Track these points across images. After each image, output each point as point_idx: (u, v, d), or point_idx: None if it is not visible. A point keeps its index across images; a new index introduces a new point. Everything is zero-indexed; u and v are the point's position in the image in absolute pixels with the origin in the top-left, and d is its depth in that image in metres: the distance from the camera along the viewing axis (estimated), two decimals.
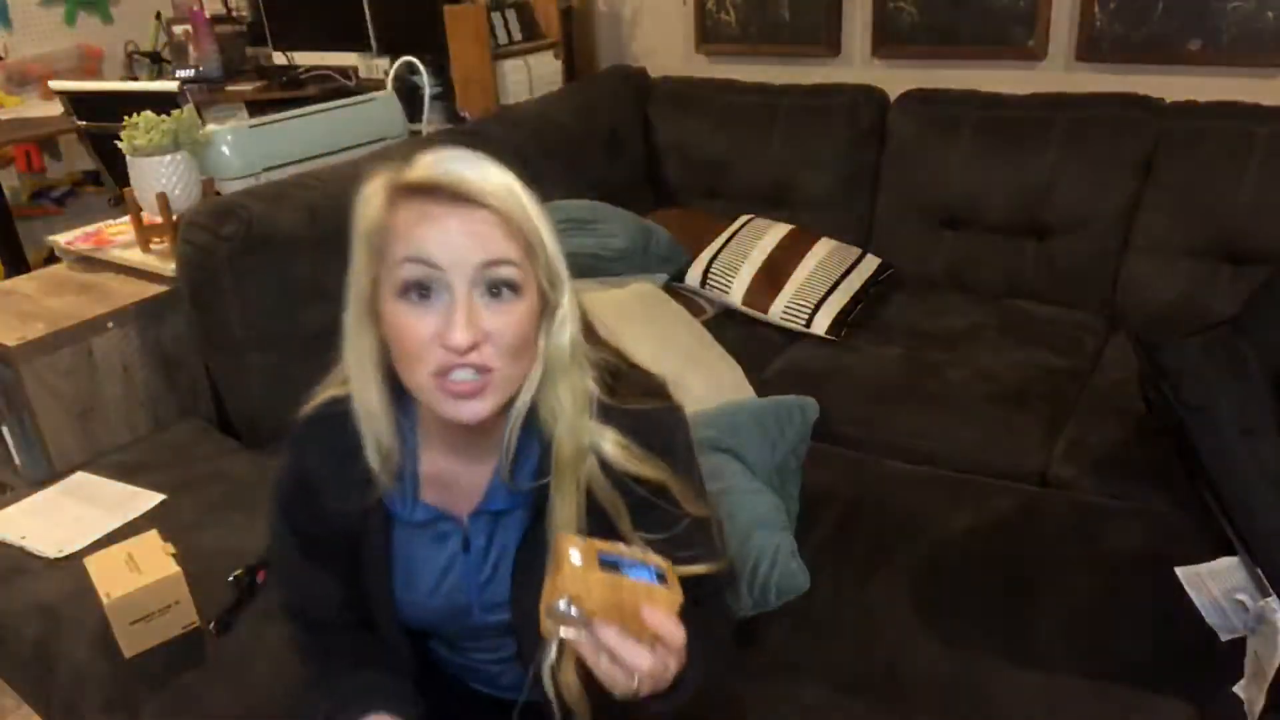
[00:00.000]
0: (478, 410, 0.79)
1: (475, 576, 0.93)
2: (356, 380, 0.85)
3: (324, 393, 0.93)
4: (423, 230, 0.77)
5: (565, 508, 0.84)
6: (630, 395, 0.89)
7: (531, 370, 0.83)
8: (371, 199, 0.81)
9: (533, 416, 0.86)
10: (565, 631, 0.69)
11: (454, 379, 0.77)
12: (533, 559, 0.88)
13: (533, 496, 0.88)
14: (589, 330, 0.88)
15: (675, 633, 0.70)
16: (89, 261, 2.05)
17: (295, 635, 1.04)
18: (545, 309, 0.83)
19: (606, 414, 0.86)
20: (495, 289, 0.78)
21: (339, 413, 0.88)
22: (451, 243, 0.76)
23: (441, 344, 0.76)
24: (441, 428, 0.88)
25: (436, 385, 0.78)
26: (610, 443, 0.85)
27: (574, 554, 0.70)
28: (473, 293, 0.77)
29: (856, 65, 2.67)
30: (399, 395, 0.86)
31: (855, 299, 2.25)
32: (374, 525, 0.91)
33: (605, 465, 0.86)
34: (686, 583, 0.77)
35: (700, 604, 0.85)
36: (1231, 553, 1.35)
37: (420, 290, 0.77)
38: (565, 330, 0.83)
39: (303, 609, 1.02)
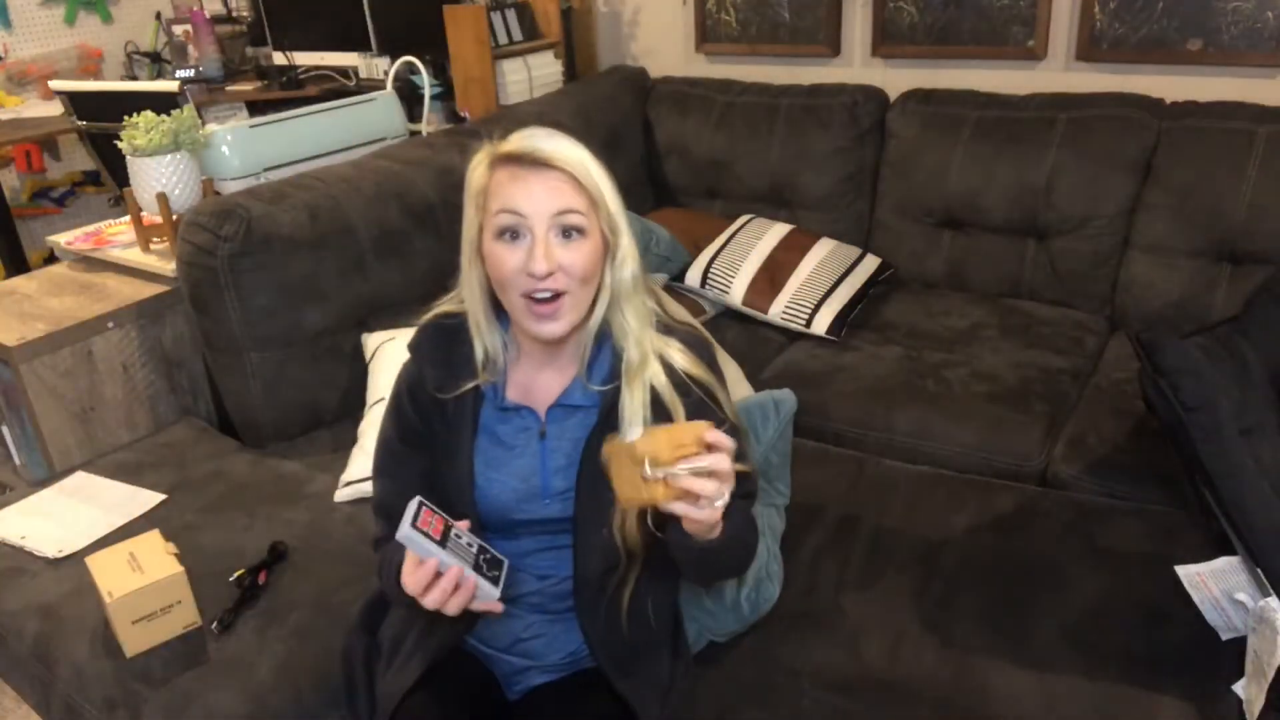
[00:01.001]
0: (555, 329, 1.03)
1: (548, 462, 1.11)
2: (469, 302, 1.10)
3: (440, 307, 1.16)
4: (512, 188, 1.01)
5: (634, 402, 1.06)
6: (677, 320, 1.15)
7: (599, 297, 1.07)
8: (477, 167, 1.05)
9: (606, 335, 1.10)
10: (656, 478, 0.90)
11: (537, 300, 1.01)
12: (598, 455, 1.03)
13: (603, 400, 1.09)
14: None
15: (726, 439, 0.92)
16: (89, 261, 2.05)
17: (377, 531, 1.21)
18: (608, 250, 1.05)
19: (668, 330, 1.12)
20: (566, 232, 1.01)
21: (450, 324, 1.13)
22: (533, 196, 1.00)
23: (526, 272, 1.00)
24: (529, 343, 1.11)
25: (525, 306, 1.02)
26: (675, 350, 1.10)
27: (632, 431, 0.97)
28: (549, 234, 1.00)
29: (856, 65, 2.67)
30: (499, 317, 1.12)
31: (855, 299, 2.25)
32: (467, 408, 1.12)
33: (669, 369, 1.08)
34: None
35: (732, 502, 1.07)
36: (1231, 553, 1.35)
37: (511, 233, 1.01)
38: (626, 266, 1.06)
39: (388, 504, 1.17)
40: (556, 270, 1.00)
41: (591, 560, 1.11)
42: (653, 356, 1.08)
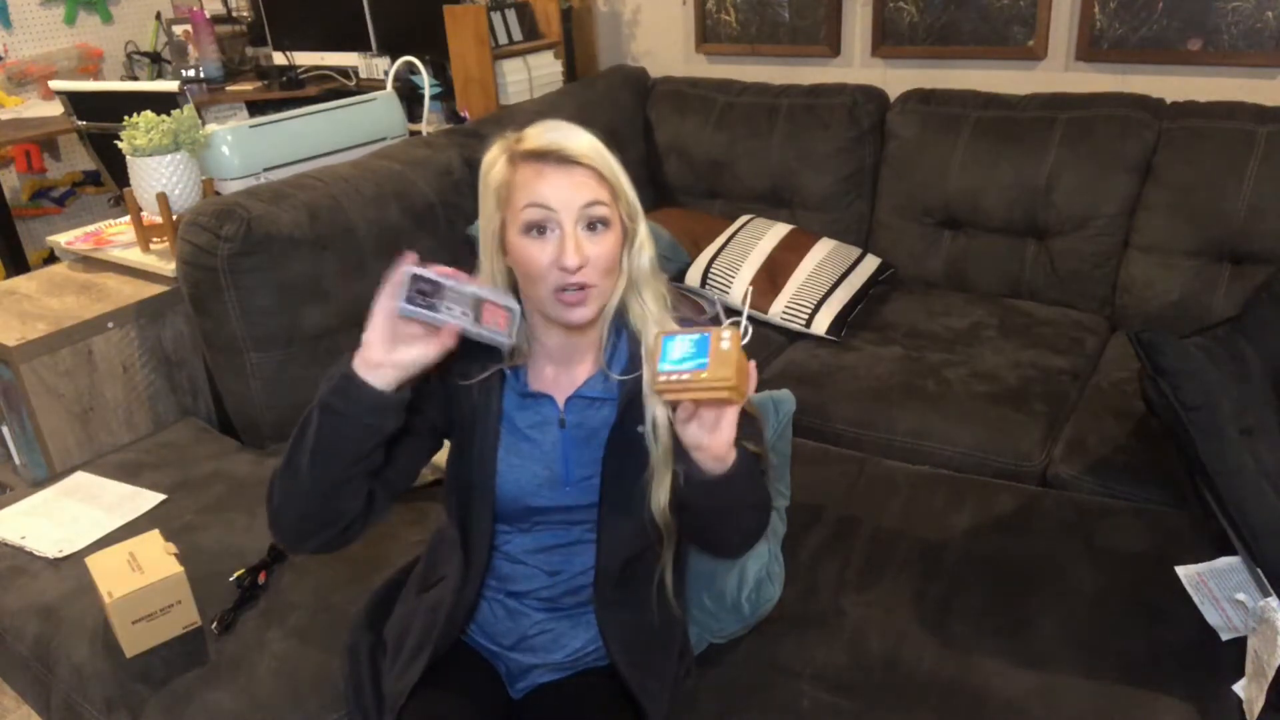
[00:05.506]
0: (584, 314, 1.04)
1: (569, 450, 1.13)
2: None
3: None
4: (539, 184, 1.02)
5: None
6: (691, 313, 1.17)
7: (618, 284, 1.09)
8: (496, 162, 1.06)
9: (622, 325, 1.12)
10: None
11: (566, 293, 1.02)
12: (622, 445, 1.09)
13: (622, 391, 1.11)
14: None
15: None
16: (89, 261, 2.05)
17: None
18: (626, 237, 1.08)
19: (682, 321, 1.13)
20: (592, 225, 1.03)
21: None
22: (560, 192, 1.02)
23: (557, 266, 1.01)
24: (548, 336, 1.12)
25: (555, 298, 1.03)
26: None
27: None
28: (577, 228, 1.02)
29: (856, 65, 2.67)
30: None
31: (855, 299, 2.25)
32: (492, 393, 1.13)
33: None
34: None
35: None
36: (1231, 553, 1.35)
37: (539, 228, 1.03)
38: (644, 252, 1.10)
39: None
40: (585, 264, 1.02)
41: (617, 549, 1.13)
42: None
